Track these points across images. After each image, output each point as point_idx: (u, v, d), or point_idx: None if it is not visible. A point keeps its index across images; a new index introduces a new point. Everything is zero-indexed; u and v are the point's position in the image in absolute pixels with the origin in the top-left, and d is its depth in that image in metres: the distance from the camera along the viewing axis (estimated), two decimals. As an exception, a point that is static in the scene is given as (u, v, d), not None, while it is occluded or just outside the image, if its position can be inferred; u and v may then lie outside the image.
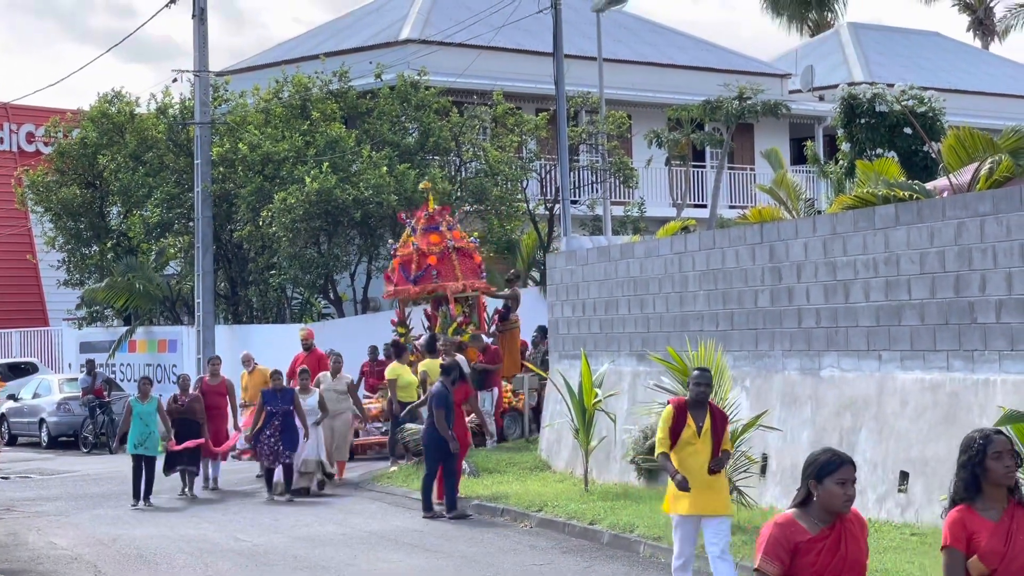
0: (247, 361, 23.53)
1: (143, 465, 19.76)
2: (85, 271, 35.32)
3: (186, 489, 20.60)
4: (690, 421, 11.52)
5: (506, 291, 26.17)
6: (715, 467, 11.53)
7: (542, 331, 25.23)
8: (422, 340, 23.60)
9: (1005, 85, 46.80)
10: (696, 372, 11.86)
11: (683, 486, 11.32)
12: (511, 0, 29.79)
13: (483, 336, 24.35)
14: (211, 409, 21.04)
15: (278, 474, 20.12)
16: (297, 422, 19.91)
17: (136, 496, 19.75)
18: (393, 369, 22.47)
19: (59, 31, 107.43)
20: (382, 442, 23.06)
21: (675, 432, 11.50)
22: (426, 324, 25.10)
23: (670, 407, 11.69)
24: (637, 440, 18.22)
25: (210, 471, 21.37)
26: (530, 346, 26.25)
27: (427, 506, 17.65)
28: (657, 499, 16.63)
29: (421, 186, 25.94)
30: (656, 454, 11.84)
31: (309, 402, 20.24)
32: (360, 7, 43.04)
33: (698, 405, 11.62)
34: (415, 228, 24.62)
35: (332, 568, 14.63)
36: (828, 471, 6.33)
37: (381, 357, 24.73)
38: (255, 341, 28.35)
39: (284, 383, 20.45)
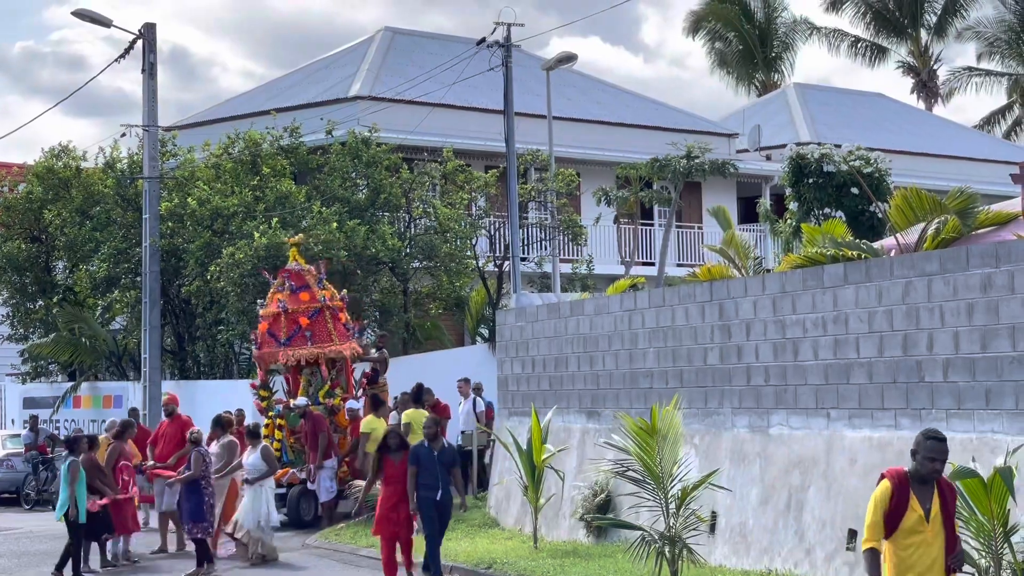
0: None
1: (84, 531, 18.10)
2: (30, 326, 35.02)
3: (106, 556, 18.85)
4: (914, 503, 8.88)
5: (375, 354, 25.24)
6: (955, 565, 9.00)
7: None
8: (410, 389, 23.20)
9: (949, 147, 47.45)
10: (930, 441, 8.96)
11: None
12: (461, 58, 29.97)
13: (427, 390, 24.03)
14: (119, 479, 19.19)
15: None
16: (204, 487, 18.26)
17: (78, 570, 18.07)
18: (368, 423, 22.39)
19: (7, 84, 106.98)
20: None
21: (894, 517, 8.84)
22: (286, 388, 24.23)
23: (887, 484, 8.94)
24: (587, 497, 18.20)
25: (121, 546, 19.32)
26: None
27: (432, 570, 16.42)
28: (606, 557, 16.61)
29: (290, 241, 24.85)
30: (863, 548, 8.97)
31: (251, 460, 18.94)
32: (310, 63, 43.13)
33: (925, 481, 8.95)
34: (282, 286, 23.68)
35: (279, 627, 14.47)
36: None
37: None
38: (202, 397, 28.18)
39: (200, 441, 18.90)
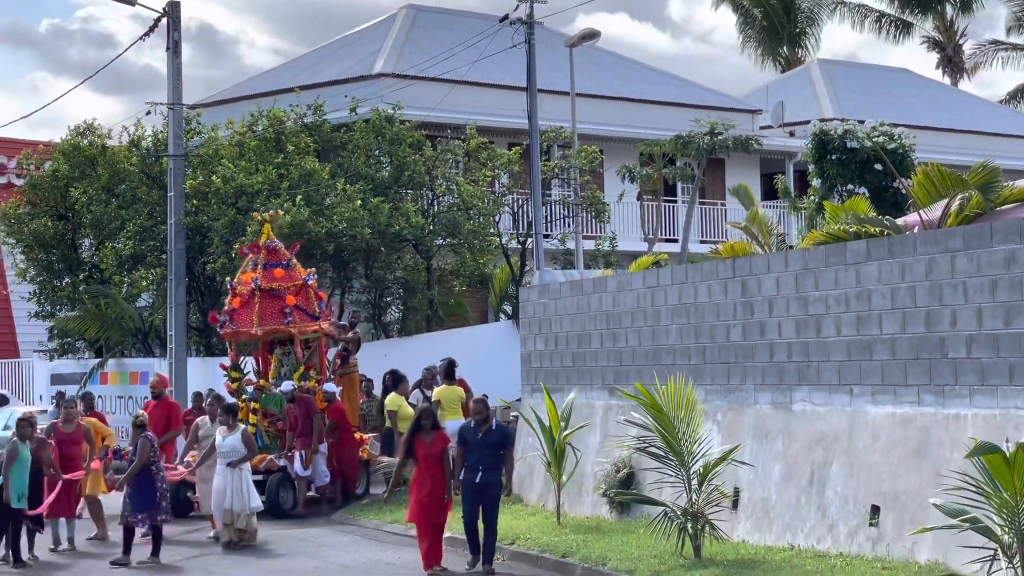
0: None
1: (16, 519, 17.22)
2: (57, 303, 35.21)
3: (31, 550, 17.69)
4: None
5: (348, 334, 24.79)
6: None
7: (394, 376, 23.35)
8: (439, 365, 22.98)
9: (974, 122, 47.22)
10: None
11: None
12: (484, 35, 29.96)
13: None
14: (65, 461, 18.28)
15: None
16: (155, 479, 17.47)
17: (18, 558, 17.16)
18: (393, 400, 22.32)
19: (36, 61, 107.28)
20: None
21: None
22: (257, 368, 23.16)
23: None
24: (609, 473, 18.27)
25: (63, 531, 18.57)
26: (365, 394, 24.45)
27: (473, 548, 16.07)
28: (629, 532, 16.68)
29: (267, 216, 23.75)
30: None
31: (229, 441, 18.36)
32: (334, 40, 43.17)
33: None
34: (257, 263, 22.76)
35: (305, 601, 14.59)
36: None
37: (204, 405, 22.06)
38: (227, 373, 28.24)
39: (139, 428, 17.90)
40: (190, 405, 23.66)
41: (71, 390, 32.43)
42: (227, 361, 23.47)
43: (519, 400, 22.80)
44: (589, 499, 18.93)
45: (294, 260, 23.23)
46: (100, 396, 33.08)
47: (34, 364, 37.44)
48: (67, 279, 35.15)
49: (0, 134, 40.24)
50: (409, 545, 17.68)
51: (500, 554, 16.64)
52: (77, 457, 18.61)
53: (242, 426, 18.88)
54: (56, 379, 34.52)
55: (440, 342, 28.56)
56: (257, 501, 18.62)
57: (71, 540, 18.72)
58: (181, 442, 23.05)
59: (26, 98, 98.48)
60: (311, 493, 21.99)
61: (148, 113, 30.48)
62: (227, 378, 23.09)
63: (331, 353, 24.15)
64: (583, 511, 18.89)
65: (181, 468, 20.90)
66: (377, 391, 24.56)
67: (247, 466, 18.55)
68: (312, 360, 22.71)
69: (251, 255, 23.02)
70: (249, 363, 23.81)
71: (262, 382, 22.59)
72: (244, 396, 22.40)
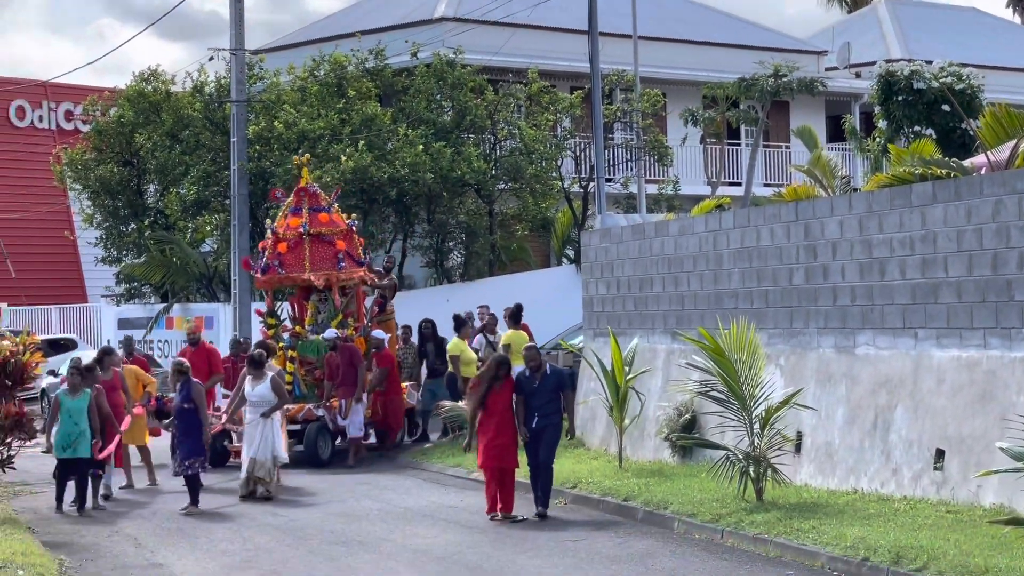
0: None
1: (71, 471, 17.25)
2: (123, 248, 35.60)
3: (96, 497, 17.75)
4: None
5: (385, 281, 24.21)
6: None
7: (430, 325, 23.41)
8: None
9: (1044, 62, 46.40)
10: None
11: None
12: (546, -22, 29.78)
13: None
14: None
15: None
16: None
17: (60, 503, 17.33)
18: (455, 345, 22.34)
19: (102, 8, 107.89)
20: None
21: None
22: (292, 315, 22.76)
23: None
24: (671, 417, 18.26)
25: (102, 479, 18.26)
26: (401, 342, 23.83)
27: (537, 499, 16.08)
28: (691, 476, 16.69)
29: (305, 160, 23.35)
30: None
31: (258, 390, 17.97)
32: (395, -16, 43.05)
33: None
34: (298, 208, 22.27)
35: (368, 543, 14.73)
36: None
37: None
38: (291, 318, 28.44)
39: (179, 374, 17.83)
40: (228, 352, 23.32)
41: (138, 334, 32.90)
42: (263, 307, 23.21)
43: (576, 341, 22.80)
44: (651, 443, 18.95)
45: (335, 205, 22.88)
46: (166, 340, 33.54)
47: (101, 309, 37.98)
48: (133, 225, 35.51)
49: (67, 81, 40.82)
50: (472, 489, 17.79)
51: (562, 498, 16.73)
52: (118, 404, 18.58)
53: (270, 373, 18.33)
54: (123, 324, 34.99)
55: (502, 286, 28.62)
56: (283, 453, 18.23)
57: (107, 486, 18.58)
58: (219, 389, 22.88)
59: (92, 45, 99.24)
60: (341, 443, 21.70)
61: (211, 59, 30.65)
62: (263, 325, 22.77)
63: (368, 300, 23.91)
64: (645, 455, 18.91)
65: (224, 416, 20.32)
66: (414, 338, 24.43)
67: (277, 415, 18.18)
68: (350, 307, 22.36)
69: (292, 199, 22.50)
70: (285, 309, 23.56)
71: (298, 329, 22.22)
72: (280, 344, 22.00)
